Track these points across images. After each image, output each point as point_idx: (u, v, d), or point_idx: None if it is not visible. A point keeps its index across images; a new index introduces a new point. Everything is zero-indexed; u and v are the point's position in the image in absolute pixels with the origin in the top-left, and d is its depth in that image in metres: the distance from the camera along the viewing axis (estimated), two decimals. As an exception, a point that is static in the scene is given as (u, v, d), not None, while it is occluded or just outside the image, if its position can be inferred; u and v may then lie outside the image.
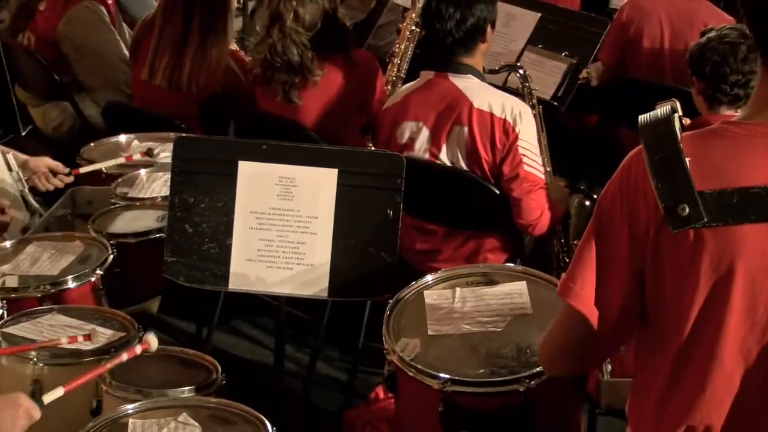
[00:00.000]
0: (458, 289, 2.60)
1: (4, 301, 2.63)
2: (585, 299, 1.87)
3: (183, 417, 2.21)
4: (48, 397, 2.18)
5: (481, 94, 3.31)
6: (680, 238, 1.78)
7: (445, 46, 3.32)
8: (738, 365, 1.84)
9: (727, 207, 1.75)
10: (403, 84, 3.87)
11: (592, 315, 1.87)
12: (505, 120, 3.27)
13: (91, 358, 2.45)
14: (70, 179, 3.37)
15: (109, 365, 2.33)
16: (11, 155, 3.34)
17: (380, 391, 3.13)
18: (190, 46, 3.87)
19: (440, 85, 3.35)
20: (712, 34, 3.22)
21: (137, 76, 4.04)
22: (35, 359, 2.43)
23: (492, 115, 3.27)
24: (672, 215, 1.74)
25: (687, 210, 1.73)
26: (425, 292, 2.61)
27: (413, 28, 4.06)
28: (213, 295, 3.56)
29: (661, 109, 1.83)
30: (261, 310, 3.86)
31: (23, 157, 3.41)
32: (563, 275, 1.97)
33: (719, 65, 3.15)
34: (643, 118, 1.83)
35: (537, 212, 3.33)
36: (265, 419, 2.21)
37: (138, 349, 2.35)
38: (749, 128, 1.79)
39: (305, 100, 3.73)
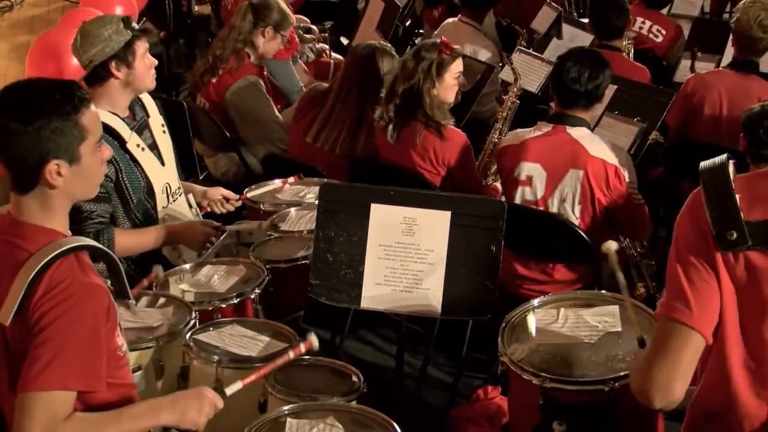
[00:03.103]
0: (562, 309, 2.54)
1: (197, 312, 2.64)
2: (697, 319, 1.76)
3: (330, 419, 2.18)
4: (230, 390, 2.17)
5: (595, 144, 3.27)
6: (733, 258, 1.75)
7: (568, 93, 3.27)
8: None
9: None
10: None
11: (707, 332, 1.77)
12: (616, 167, 3.24)
13: (260, 364, 2.43)
14: (239, 204, 3.39)
15: (279, 362, 2.31)
16: (191, 195, 3.40)
17: (481, 393, 3.08)
18: (365, 124, 3.85)
19: (558, 135, 3.30)
20: (764, 102, 3.12)
21: (298, 135, 4.01)
22: (217, 363, 2.43)
23: (605, 162, 3.23)
24: (722, 239, 1.73)
25: (735, 235, 1.72)
26: (535, 310, 2.56)
27: (514, 100, 4.02)
28: (345, 310, 3.55)
29: (719, 157, 1.80)
30: (383, 323, 3.82)
31: (202, 188, 3.47)
32: (662, 301, 1.83)
33: (755, 127, 3.06)
34: (703, 163, 1.82)
35: (647, 225, 3.40)
36: (396, 426, 2.15)
37: (302, 348, 2.32)
38: None
39: (411, 155, 3.65)
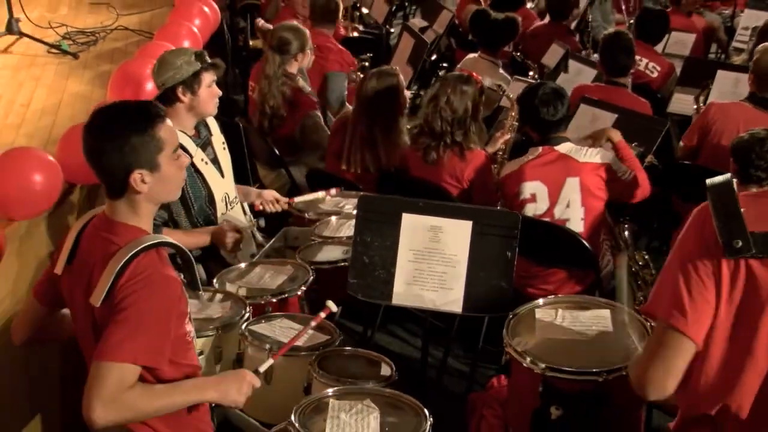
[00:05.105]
0: (560, 310, 2.52)
1: (251, 307, 2.65)
2: (692, 328, 1.74)
3: (367, 401, 2.17)
4: (262, 368, 2.20)
5: (582, 152, 3.31)
6: (735, 265, 1.70)
7: (550, 125, 3.33)
8: None
9: None
10: (509, 159, 3.83)
11: (699, 339, 1.75)
12: (604, 164, 3.28)
13: (305, 353, 2.44)
14: (286, 206, 3.37)
15: (302, 333, 2.35)
16: (246, 204, 3.41)
17: (495, 381, 3.04)
18: (378, 143, 3.82)
19: (549, 154, 3.33)
20: (752, 131, 3.09)
21: (332, 156, 4.00)
22: (269, 350, 2.42)
23: (595, 164, 3.28)
24: (729, 247, 1.69)
25: (740, 243, 1.68)
26: (536, 309, 2.54)
27: (514, 123, 4.00)
28: (376, 306, 3.54)
29: (723, 176, 1.75)
30: (409, 318, 3.81)
31: (258, 190, 3.47)
32: (654, 301, 1.80)
33: (748, 152, 3.03)
34: (710, 180, 1.75)
35: (645, 187, 3.37)
36: (426, 410, 2.13)
37: (322, 315, 2.36)
38: None
39: (436, 169, 3.63)
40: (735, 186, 1.73)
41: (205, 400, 2.06)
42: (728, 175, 1.75)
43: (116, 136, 1.96)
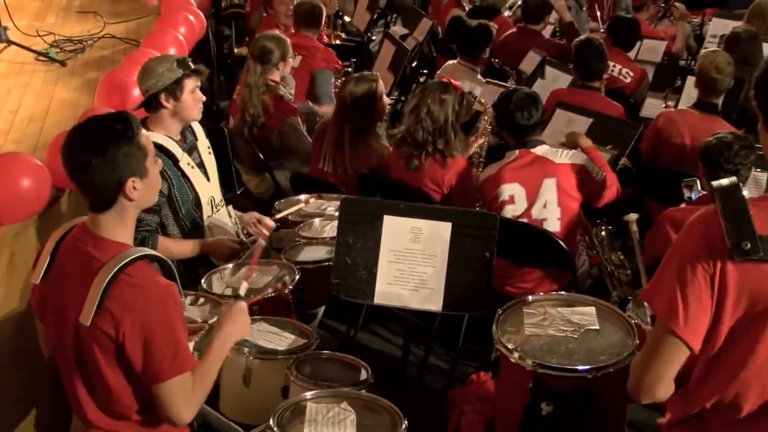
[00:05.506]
0: (548, 308, 2.54)
1: None
2: (689, 332, 1.71)
3: (344, 405, 2.19)
4: (242, 290, 2.40)
5: (557, 154, 3.35)
6: (743, 268, 1.68)
7: (525, 129, 3.38)
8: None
9: None
10: (485, 161, 3.90)
11: (696, 344, 1.73)
12: (578, 165, 3.32)
13: (283, 357, 2.46)
14: (270, 224, 3.39)
15: (256, 253, 2.51)
16: (231, 207, 3.42)
17: (474, 377, 3.08)
18: (345, 145, 3.83)
19: (526, 157, 3.36)
20: (719, 136, 3.15)
21: (315, 160, 4.02)
22: (247, 354, 2.43)
23: (570, 165, 3.32)
24: (737, 249, 1.66)
25: (749, 245, 1.65)
26: (524, 307, 2.56)
27: (487, 127, 4.04)
28: (359, 306, 3.55)
29: (730, 179, 1.72)
30: (391, 317, 3.82)
31: (239, 213, 3.47)
32: (649, 291, 1.78)
33: (717, 156, 3.08)
34: (716, 183, 1.72)
35: (614, 189, 3.39)
36: (400, 413, 2.16)
37: (265, 232, 2.50)
38: None
39: (418, 174, 3.63)
40: (743, 189, 1.71)
41: (230, 347, 2.17)
42: (734, 178, 1.72)
43: (107, 149, 1.95)
